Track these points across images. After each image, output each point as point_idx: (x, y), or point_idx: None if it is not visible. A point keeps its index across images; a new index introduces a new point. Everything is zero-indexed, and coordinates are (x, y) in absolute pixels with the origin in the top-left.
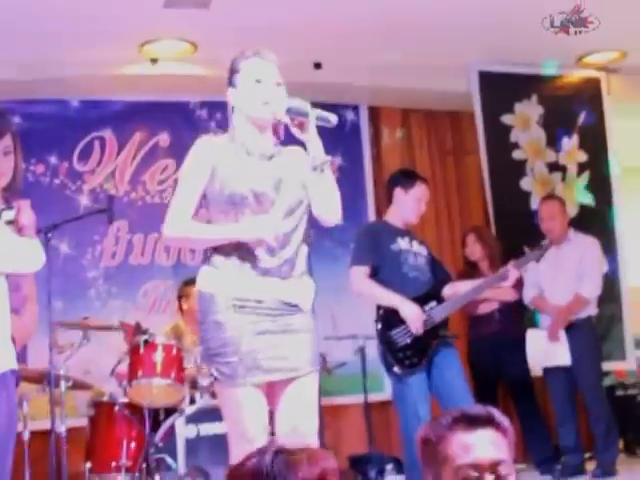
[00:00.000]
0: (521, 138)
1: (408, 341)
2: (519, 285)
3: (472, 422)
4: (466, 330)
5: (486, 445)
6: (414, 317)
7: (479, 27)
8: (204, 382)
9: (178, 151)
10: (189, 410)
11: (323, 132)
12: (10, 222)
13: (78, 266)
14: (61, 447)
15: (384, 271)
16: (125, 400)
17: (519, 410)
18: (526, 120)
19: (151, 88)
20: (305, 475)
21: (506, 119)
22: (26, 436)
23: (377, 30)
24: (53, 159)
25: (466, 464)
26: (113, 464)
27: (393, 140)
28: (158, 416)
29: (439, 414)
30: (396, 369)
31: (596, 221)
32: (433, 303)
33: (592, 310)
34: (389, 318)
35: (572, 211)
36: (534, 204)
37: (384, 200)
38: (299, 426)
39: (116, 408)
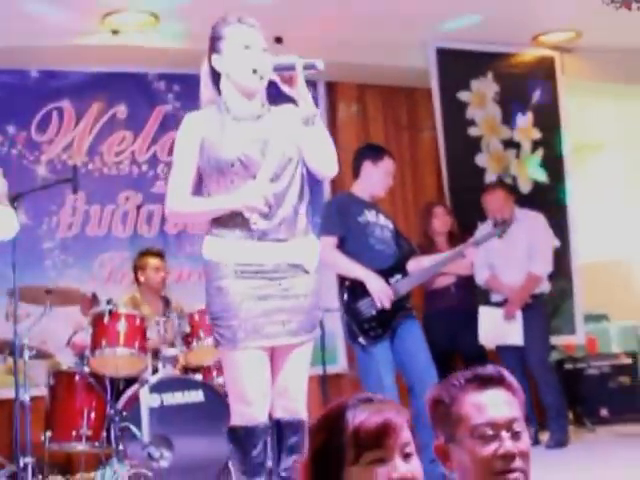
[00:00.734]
0: (477, 115)
1: (373, 313)
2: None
3: (484, 382)
4: (421, 304)
5: (500, 404)
6: (381, 291)
7: (437, 4)
8: (168, 352)
9: (135, 123)
10: (153, 379)
11: None
12: None
13: (35, 236)
14: (25, 416)
15: (351, 243)
16: (86, 369)
17: None
18: (482, 97)
19: (111, 59)
20: (363, 422)
21: (462, 96)
22: None
23: (336, 4)
24: (11, 129)
25: (482, 423)
26: (73, 433)
27: (349, 115)
28: (118, 386)
29: (402, 385)
30: (361, 340)
31: (549, 198)
32: (398, 276)
33: (545, 287)
34: (355, 290)
35: (525, 187)
36: (489, 180)
37: (340, 174)
38: (290, 393)
39: (77, 377)
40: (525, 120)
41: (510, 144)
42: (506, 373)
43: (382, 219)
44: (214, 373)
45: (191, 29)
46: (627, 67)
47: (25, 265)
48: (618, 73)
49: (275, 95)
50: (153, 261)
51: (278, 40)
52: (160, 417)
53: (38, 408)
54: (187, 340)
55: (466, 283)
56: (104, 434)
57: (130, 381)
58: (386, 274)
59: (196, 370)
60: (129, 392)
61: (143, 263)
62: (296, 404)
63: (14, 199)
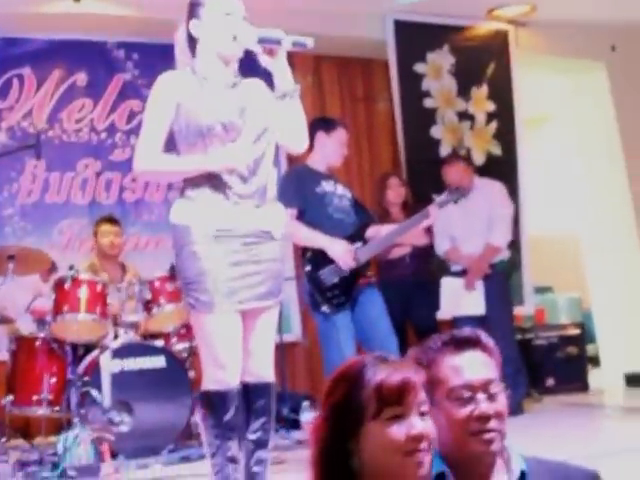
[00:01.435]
0: (433, 87)
1: (336, 280)
2: (430, 231)
3: (460, 344)
4: (376, 274)
5: (476, 365)
6: (343, 253)
7: None
8: (128, 318)
9: (95, 91)
10: (114, 345)
11: None
12: None
13: None
14: None
15: (310, 213)
16: (47, 335)
17: None
18: (438, 69)
19: (72, 27)
20: (385, 379)
21: (419, 68)
22: None
23: None
24: None
25: (458, 385)
26: (34, 398)
27: (305, 87)
28: (79, 351)
29: (362, 353)
30: (324, 308)
31: (502, 169)
32: (358, 244)
33: (504, 254)
34: (317, 259)
35: (479, 159)
36: (444, 152)
37: None
38: (258, 357)
39: (38, 342)
40: (480, 92)
41: (465, 116)
42: (483, 335)
43: (340, 189)
44: (174, 339)
45: None
46: (580, 42)
47: None
48: (571, 48)
49: (245, 67)
50: (109, 228)
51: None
52: (121, 382)
53: None
54: (148, 307)
55: (422, 253)
56: (65, 399)
57: (91, 347)
58: (347, 242)
59: (157, 336)
60: (90, 357)
61: (100, 230)
62: (264, 368)
63: None
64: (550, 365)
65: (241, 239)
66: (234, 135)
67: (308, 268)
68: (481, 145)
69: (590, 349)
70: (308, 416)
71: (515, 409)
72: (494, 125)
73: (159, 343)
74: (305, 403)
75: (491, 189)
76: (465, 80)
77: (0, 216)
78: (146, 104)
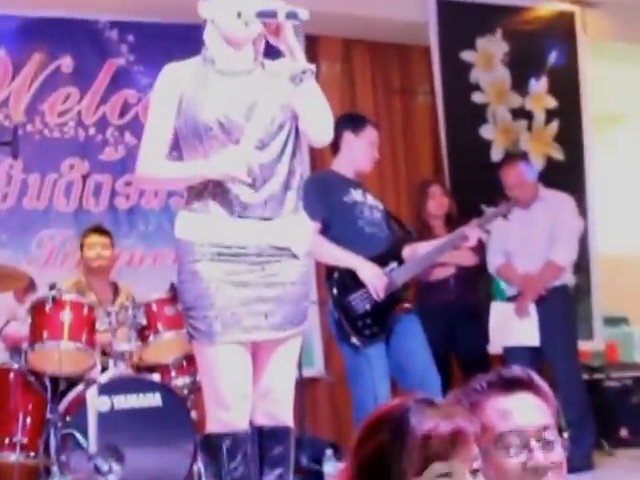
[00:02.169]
0: (482, 78)
1: (367, 307)
2: (480, 249)
3: (510, 385)
4: (415, 298)
5: (528, 409)
6: (375, 279)
7: None
8: (120, 348)
9: (83, 78)
10: (102, 379)
11: None
12: None
13: None
14: None
15: (337, 227)
16: (22, 366)
17: None
18: (489, 58)
19: (55, 2)
20: (434, 429)
21: (466, 56)
22: None
23: None
24: None
25: (508, 431)
26: (6, 441)
27: (332, 75)
28: (59, 386)
29: (399, 393)
30: (354, 339)
31: (565, 178)
32: (393, 264)
33: (568, 278)
34: (345, 281)
35: (537, 165)
36: (495, 156)
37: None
38: (274, 396)
39: (11, 375)
40: (539, 86)
41: (521, 114)
42: (535, 375)
43: (370, 198)
44: (173, 373)
45: None
46: None
47: None
48: None
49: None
50: (98, 239)
51: None
52: (110, 423)
53: None
54: (143, 334)
55: (468, 275)
56: (43, 442)
57: (75, 381)
58: (380, 262)
59: (153, 369)
60: (73, 393)
61: (87, 242)
62: (281, 409)
63: None
64: (624, 412)
65: (248, 257)
66: (236, 136)
67: (335, 292)
68: (540, 148)
69: None
70: (332, 467)
71: (582, 463)
72: (555, 125)
73: (156, 377)
74: (329, 451)
75: (558, 202)
76: (521, 71)
77: None
78: (149, 99)
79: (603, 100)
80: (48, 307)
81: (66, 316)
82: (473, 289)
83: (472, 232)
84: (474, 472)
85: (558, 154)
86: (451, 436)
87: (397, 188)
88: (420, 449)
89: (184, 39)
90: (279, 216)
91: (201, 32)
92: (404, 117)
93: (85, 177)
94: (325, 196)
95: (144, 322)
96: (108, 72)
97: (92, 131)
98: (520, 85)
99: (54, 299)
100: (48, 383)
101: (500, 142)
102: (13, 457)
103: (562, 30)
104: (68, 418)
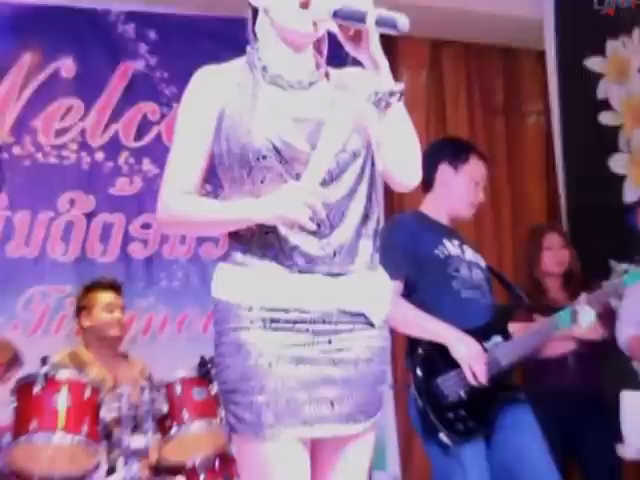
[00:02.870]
0: (614, 94)
1: (462, 395)
2: (608, 318)
3: None
4: (523, 381)
5: None
6: (473, 358)
7: None
8: (133, 443)
9: (88, 86)
10: None
11: None
12: None
13: None
14: None
15: (424, 288)
16: (4, 464)
17: None
18: (623, 66)
19: None
20: None
21: (592, 64)
22: None
23: None
24: None
25: None
26: None
27: (415, 87)
28: None
29: None
30: (443, 436)
31: None
32: (497, 338)
33: None
34: (433, 359)
35: None
36: (629, 195)
37: None
38: None
39: None
40: None
41: None
42: None
43: (469, 252)
44: (202, 477)
45: None
46: None
47: None
48: None
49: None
50: (105, 297)
51: None
52: None
53: None
54: (163, 424)
55: (592, 353)
56: None
57: None
58: (478, 335)
59: (176, 471)
60: None
61: (90, 301)
62: None
63: None
64: None
65: (311, 325)
66: (297, 167)
67: (419, 373)
68: None
69: None
70: None
71: None
72: None
73: None
74: None
75: None
76: None
77: None
78: (177, 115)
79: None
80: (38, 388)
81: (62, 400)
82: (600, 372)
83: (583, 310)
84: None
85: None
86: None
87: (499, 237)
88: None
89: (221, 37)
90: (350, 272)
91: (244, 28)
92: (509, 144)
93: (90, 216)
94: (410, 246)
95: (165, 409)
96: (122, 79)
97: (100, 156)
98: None
99: (46, 377)
100: None
101: (636, 177)
102: None
103: None
104: None
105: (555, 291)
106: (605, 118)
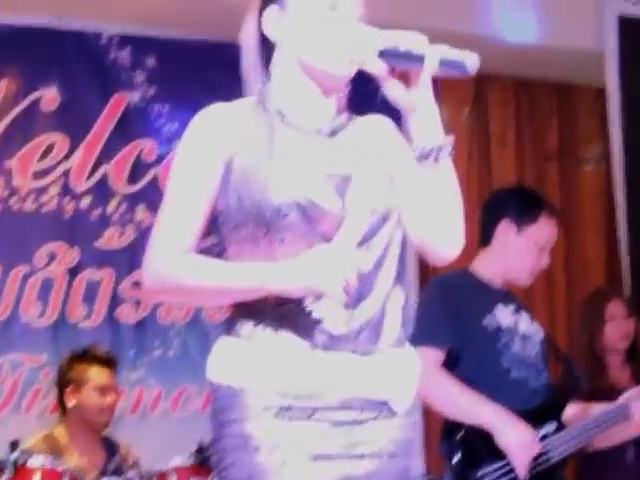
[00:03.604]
0: None
1: None
2: None
3: None
4: (575, 476)
5: None
6: (522, 447)
7: None
8: None
9: (74, 120)
10: None
11: None
12: None
13: None
14: None
15: (469, 362)
16: None
17: None
18: None
19: (36, 4)
20: None
21: None
22: None
23: None
24: None
25: None
26: None
27: (456, 127)
28: None
29: None
30: None
31: None
32: (551, 426)
33: None
34: (475, 446)
35: None
36: None
37: None
38: None
39: None
40: None
41: None
42: None
43: (525, 322)
44: None
45: None
46: None
47: None
48: None
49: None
50: (99, 375)
51: None
52: None
53: None
54: None
55: None
56: None
57: None
58: (531, 421)
59: None
60: None
61: (80, 376)
62: None
63: None
64: None
65: (331, 413)
66: (325, 227)
67: (456, 461)
68: None
69: None
70: None
71: None
72: None
73: None
74: None
75: None
76: None
77: None
78: (175, 156)
79: None
80: (5, 478)
81: None
82: None
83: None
84: None
85: None
86: None
87: (551, 301)
88: None
89: (230, 65)
90: (375, 351)
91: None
92: (563, 194)
93: (72, 273)
94: (456, 312)
95: None
96: (114, 112)
97: (86, 203)
98: None
99: (16, 465)
100: None
101: None
102: None
103: None
104: None
105: (617, 369)
106: None
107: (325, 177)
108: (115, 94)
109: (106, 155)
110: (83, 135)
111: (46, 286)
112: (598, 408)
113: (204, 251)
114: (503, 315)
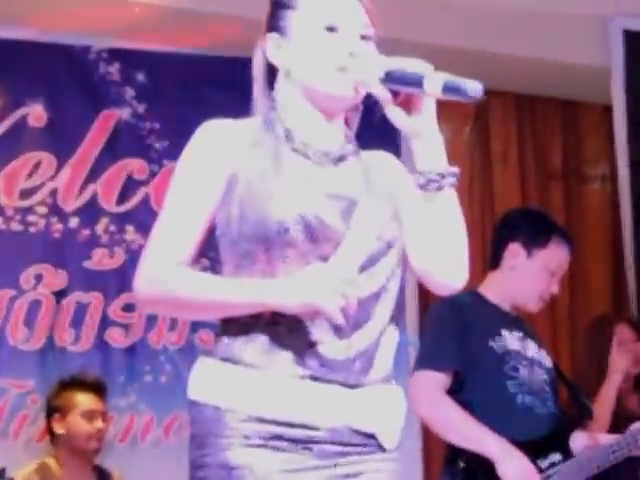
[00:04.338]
0: None
1: None
2: None
3: None
4: None
5: None
6: (523, 477)
7: None
8: None
9: (62, 138)
10: None
11: None
12: None
13: None
14: None
15: (474, 386)
16: None
17: None
18: None
19: (21, 17)
20: None
21: None
22: None
23: None
24: None
25: None
26: None
27: (457, 145)
28: None
29: None
30: None
31: None
32: (556, 456)
33: None
34: (476, 474)
35: None
36: None
37: None
38: None
39: None
40: None
41: None
42: None
43: (533, 348)
44: None
45: None
46: None
47: None
48: None
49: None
50: (85, 401)
51: None
52: None
53: None
54: None
55: None
56: None
57: None
58: (536, 451)
59: None
60: None
61: (67, 403)
62: None
63: None
64: None
65: (317, 446)
66: (328, 247)
67: None
68: None
69: None
70: None
71: None
72: None
73: None
74: None
75: None
76: None
77: None
78: (168, 173)
79: None
80: None
81: None
82: None
83: None
84: None
85: None
86: None
87: (555, 327)
88: None
89: (224, 81)
90: (366, 384)
91: (251, 71)
92: (567, 214)
93: (60, 295)
94: (462, 334)
95: None
96: (103, 130)
97: (74, 223)
98: None
99: None
100: None
101: None
102: None
103: None
104: None
105: (626, 396)
106: None
107: (330, 198)
108: (104, 110)
109: (95, 174)
110: (71, 153)
111: (32, 309)
112: (606, 438)
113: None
114: (511, 339)
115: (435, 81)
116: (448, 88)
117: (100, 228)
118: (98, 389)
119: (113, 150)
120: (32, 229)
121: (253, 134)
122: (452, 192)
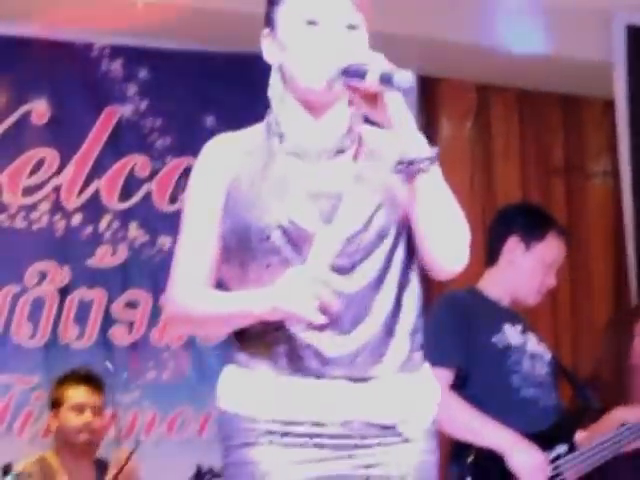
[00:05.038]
0: None
1: None
2: None
3: None
4: None
5: None
6: (532, 469)
7: None
8: None
9: (65, 134)
10: None
11: None
12: None
13: None
14: None
15: (478, 382)
16: None
17: None
18: None
19: (24, 13)
20: None
21: None
22: None
23: None
24: None
25: None
26: None
27: (459, 141)
28: None
29: None
30: None
31: None
32: (562, 448)
33: None
34: (486, 469)
35: None
36: None
37: None
38: None
39: None
40: None
41: None
42: None
43: (533, 341)
44: None
45: None
46: None
47: None
48: None
49: None
50: (74, 394)
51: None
52: None
53: None
54: None
55: None
56: None
57: None
58: (542, 443)
59: None
60: None
61: (58, 398)
62: None
63: None
64: None
65: (330, 440)
66: (309, 251)
67: None
68: None
69: None
70: None
71: None
72: None
73: None
74: None
75: None
76: None
77: None
78: (170, 170)
79: None
80: None
81: None
82: None
83: None
84: None
85: None
86: None
87: (555, 324)
88: None
89: (227, 77)
90: (377, 376)
91: (253, 67)
92: (569, 210)
93: (63, 292)
94: (464, 330)
95: None
96: (105, 126)
97: (77, 220)
98: None
99: None
100: None
101: None
102: None
103: None
104: None
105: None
106: None
107: (316, 198)
108: (107, 107)
109: (98, 171)
110: (74, 150)
111: (37, 306)
112: (611, 429)
113: None
114: (511, 334)
115: (374, 74)
116: (383, 79)
117: (103, 225)
118: (90, 382)
119: (116, 147)
120: (35, 226)
121: (251, 142)
122: (436, 174)
